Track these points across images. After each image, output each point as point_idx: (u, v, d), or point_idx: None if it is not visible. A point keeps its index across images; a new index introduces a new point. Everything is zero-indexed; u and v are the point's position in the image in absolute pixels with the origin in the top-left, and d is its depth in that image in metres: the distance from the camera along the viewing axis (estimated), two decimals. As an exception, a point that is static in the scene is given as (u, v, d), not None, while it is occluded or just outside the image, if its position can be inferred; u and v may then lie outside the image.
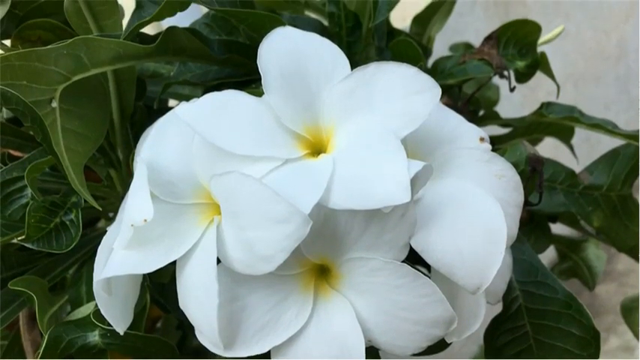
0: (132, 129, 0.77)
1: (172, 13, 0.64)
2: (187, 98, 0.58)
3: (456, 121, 0.64)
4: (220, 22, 0.81)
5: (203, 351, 0.54)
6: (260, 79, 0.55)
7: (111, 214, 0.82)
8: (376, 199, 0.47)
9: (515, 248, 0.66)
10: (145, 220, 0.50)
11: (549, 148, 1.05)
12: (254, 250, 0.48)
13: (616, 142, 0.84)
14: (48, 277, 0.71)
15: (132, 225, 0.50)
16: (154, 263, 0.51)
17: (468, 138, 0.63)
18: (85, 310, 0.65)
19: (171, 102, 0.91)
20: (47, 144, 0.60)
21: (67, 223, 0.65)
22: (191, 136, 0.55)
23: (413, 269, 0.49)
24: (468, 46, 1.15)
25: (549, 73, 0.91)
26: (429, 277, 0.50)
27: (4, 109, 0.76)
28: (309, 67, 0.58)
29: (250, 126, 0.54)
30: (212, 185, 0.51)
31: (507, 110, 1.05)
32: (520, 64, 0.84)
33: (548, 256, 1.01)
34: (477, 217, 0.54)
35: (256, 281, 0.51)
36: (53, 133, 0.61)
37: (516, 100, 1.70)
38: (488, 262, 0.52)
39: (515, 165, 0.64)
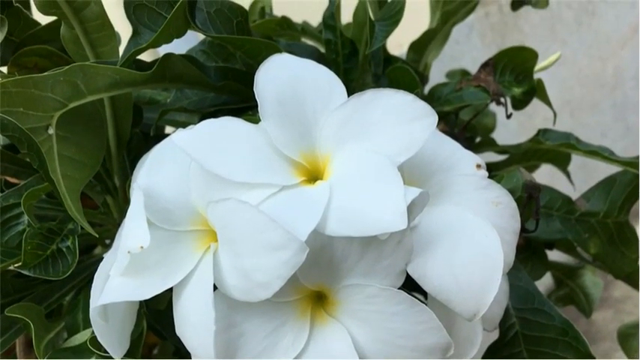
0: (128, 156, 0.77)
1: (169, 40, 0.64)
2: (184, 125, 0.58)
3: (452, 147, 0.64)
4: (217, 48, 0.81)
5: (200, 378, 0.53)
6: (257, 105, 0.56)
7: (107, 241, 0.82)
8: (373, 226, 0.47)
9: (512, 275, 0.66)
10: (142, 247, 0.50)
11: (546, 174, 1.05)
12: (251, 276, 0.48)
13: (612, 169, 0.84)
14: (45, 303, 0.71)
15: (128, 252, 0.50)
16: (150, 290, 0.51)
17: (464, 165, 0.63)
18: (81, 337, 0.65)
19: (168, 129, 0.91)
20: (44, 171, 0.60)
21: (64, 249, 0.65)
22: (187, 163, 0.55)
23: (409, 296, 0.49)
24: (464, 73, 1.15)
25: (546, 100, 0.92)
26: (426, 304, 0.50)
27: (0, 136, 0.76)
28: (306, 94, 0.58)
29: (247, 153, 0.54)
30: (209, 212, 0.51)
31: (504, 137, 1.05)
32: (517, 90, 0.85)
33: (545, 282, 1.01)
34: (473, 244, 0.54)
35: (253, 308, 0.51)
36: (50, 160, 0.61)
37: (513, 127, 1.70)
38: (485, 289, 0.52)
39: (512, 192, 0.64)
